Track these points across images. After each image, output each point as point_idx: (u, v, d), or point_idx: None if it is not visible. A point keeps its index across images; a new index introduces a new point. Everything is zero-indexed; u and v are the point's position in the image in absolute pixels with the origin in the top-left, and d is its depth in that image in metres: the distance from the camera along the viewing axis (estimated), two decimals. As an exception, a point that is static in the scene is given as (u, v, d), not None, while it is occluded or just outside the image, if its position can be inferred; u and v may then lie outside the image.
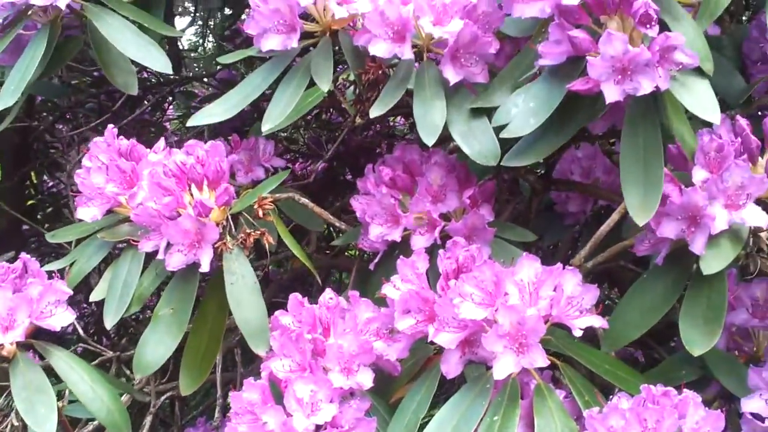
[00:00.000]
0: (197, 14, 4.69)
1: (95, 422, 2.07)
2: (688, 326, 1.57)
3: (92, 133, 3.03)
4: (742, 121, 1.61)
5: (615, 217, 1.77)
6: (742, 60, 2.10)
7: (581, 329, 1.48)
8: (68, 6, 2.00)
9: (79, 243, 1.97)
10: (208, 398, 3.38)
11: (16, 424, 1.75)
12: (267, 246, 1.76)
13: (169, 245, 1.71)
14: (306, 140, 3.73)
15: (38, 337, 1.79)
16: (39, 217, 3.98)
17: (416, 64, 1.77)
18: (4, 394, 1.75)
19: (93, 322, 3.63)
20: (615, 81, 1.49)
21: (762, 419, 1.59)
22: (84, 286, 2.44)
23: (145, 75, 3.68)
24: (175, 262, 1.70)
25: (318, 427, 1.53)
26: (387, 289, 1.63)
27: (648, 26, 1.48)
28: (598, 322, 1.51)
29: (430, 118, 1.67)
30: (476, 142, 1.67)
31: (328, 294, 1.70)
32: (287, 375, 1.59)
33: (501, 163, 1.65)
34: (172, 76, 3.44)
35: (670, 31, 1.51)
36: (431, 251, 1.72)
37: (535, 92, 1.61)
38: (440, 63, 1.71)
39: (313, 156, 3.56)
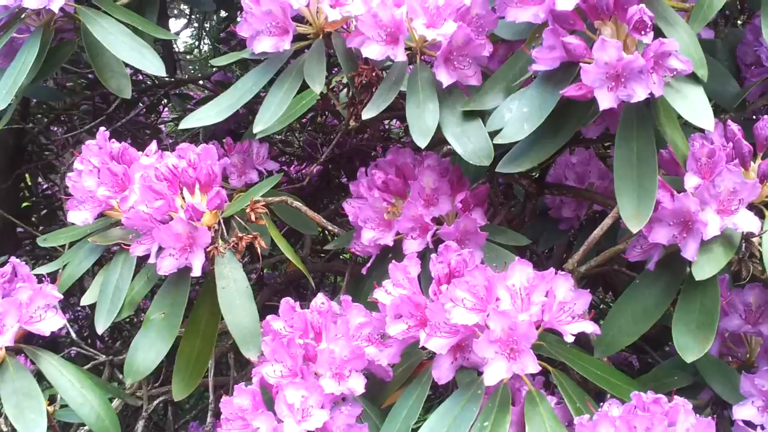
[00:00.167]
0: (192, 17, 4.69)
1: (86, 427, 2.05)
2: (682, 332, 1.56)
3: (87, 135, 3.04)
4: (734, 126, 1.60)
5: (608, 221, 1.77)
6: (736, 64, 2.09)
7: (573, 335, 1.47)
8: (61, 9, 2.00)
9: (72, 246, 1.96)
10: (203, 402, 3.38)
11: (5, 429, 1.74)
12: (259, 250, 1.74)
13: (160, 249, 1.70)
14: (301, 143, 3.73)
15: (32, 341, 1.78)
16: (33, 219, 3.98)
17: (409, 68, 1.76)
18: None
19: (87, 326, 3.63)
20: (609, 88, 1.49)
21: (754, 426, 1.59)
22: (79, 289, 2.43)
23: (140, 77, 3.69)
24: (166, 266, 1.70)
25: (309, 433, 1.53)
26: (378, 294, 1.62)
27: (642, 33, 1.47)
28: (590, 327, 1.50)
29: (423, 120, 1.66)
30: (469, 143, 1.67)
31: (319, 299, 1.70)
32: (278, 380, 1.58)
33: (496, 170, 1.64)
34: (167, 79, 3.44)
35: (665, 36, 1.51)
36: (423, 256, 1.72)
37: (528, 97, 1.61)
38: (433, 65, 1.70)
39: (308, 159, 3.56)
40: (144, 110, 3.88)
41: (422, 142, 1.64)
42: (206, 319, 1.78)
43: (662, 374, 1.78)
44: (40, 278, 1.82)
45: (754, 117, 2.04)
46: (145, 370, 1.72)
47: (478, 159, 1.65)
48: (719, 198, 1.53)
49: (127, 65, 2.09)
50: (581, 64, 1.50)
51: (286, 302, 1.69)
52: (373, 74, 1.75)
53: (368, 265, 1.89)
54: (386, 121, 3.66)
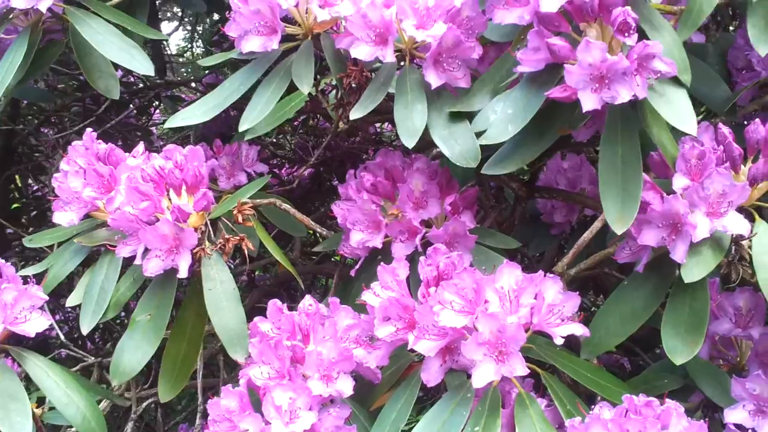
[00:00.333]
0: (184, 19, 4.68)
1: (74, 429, 2.04)
2: (670, 335, 1.56)
3: (77, 136, 3.01)
4: (725, 129, 1.60)
5: (598, 224, 1.76)
6: (727, 68, 2.09)
7: (562, 337, 1.47)
8: (49, 9, 1.99)
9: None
10: (194, 403, 3.36)
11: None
12: (246, 252, 1.73)
13: (146, 250, 1.69)
14: (293, 146, 3.72)
15: (22, 342, 1.77)
16: (23, 220, 3.96)
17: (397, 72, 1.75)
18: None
19: (78, 327, 3.61)
20: (592, 89, 1.48)
21: (745, 430, 1.58)
22: (68, 290, 2.42)
23: (131, 80, 3.68)
24: (152, 267, 1.68)
25: (296, 435, 1.51)
26: (367, 296, 1.61)
27: (626, 34, 1.47)
28: (579, 330, 1.50)
29: (411, 121, 1.66)
30: (456, 145, 1.66)
31: (307, 300, 1.69)
32: (266, 382, 1.57)
33: (481, 171, 1.64)
34: (158, 80, 3.43)
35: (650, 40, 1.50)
36: (412, 258, 1.71)
37: (513, 99, 1.60)
38: (422, 67, 1.70)
39: (299, 162, 3.55)
40: (135, 113, 3.87)
41: (410, 143, 1.63)
42: (193, 320, 1.77)
43: (653, 377, 1.77)
44: (26, 280, 1.80)
45: (745, 123, 2.03)
46: (131, 371, 1.71)
47: (465, 161, 1.65)
48: (708, 200, 1.52)
49: (116, 66, 2.08)
50: (565, 65, 1.49)
51: (274, 304, 1.68)
52: (362, 75, 1.74)
53: (357, 267, 1.88)
54: (378, 125, 3.66)
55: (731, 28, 2.55)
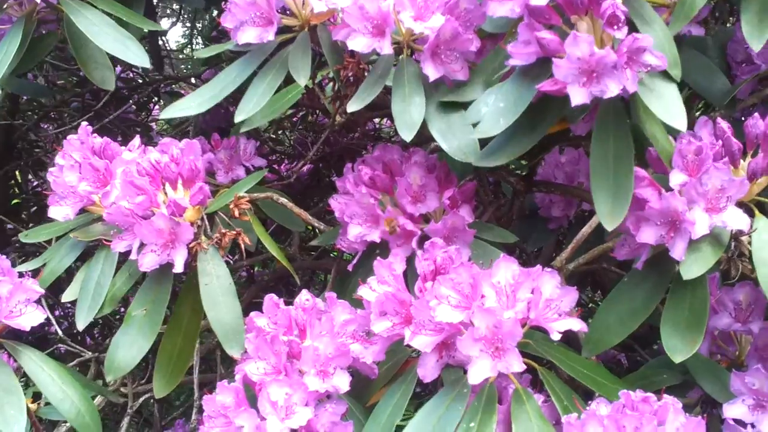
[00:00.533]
0: (183, 15, 4.68)
1: (69, 424, 2.03)
2: (670, 332, 1.54)
3: (76, 132, 3.01)
4: (723, 124, 1.58)
5: (596, 219, 1.75)
6: (726, 61, 2.08)
7: (560, 332, 1.45)
8: (44, -1, 1.98)
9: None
10: (192, 399, 3.36)
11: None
12: (243, 246, 1.72)
13: (142, 245, 1.68)
14: (292, 142, 3.71)
15: (21, 338, 1.76)
16: (23, 216, 3.96)
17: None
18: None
19: (77, 322, 3.60)
20: (581, 83, 1.47)
21: (744, 425, 1.57)
22: (68, 286, 2.41)
23: (130, 75, 3.67)
24: (148, 262, 1.67)
25: (293, 431, 1.50)
26: (363, 291, 1.60)
27: (616, 27, 1.45)
28: (577, 325, 1.48)
29: (409, 114, 1.65)
30: (455, 139, 1.65)
31: (304, 295, 1.68)
32: (262, 378, 1.56)
33: (473, 164, 1.63)
34: (157, 76, 3.43)
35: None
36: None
37: (505, 92, 1.59)
38: (420, 59, 1.68)
39: (298, 158, 3.55)
40: (134, 108, 3.87)
41: (408, 136, 1.62)
42: (188, 316, 1.76)
43: (651, 373, 1.76)
44: (22, 275, 1.79)
45: (742, 120, 2.02)
46: (126, 366, 1.70)
47: (463, 155, 1.63)
48: (707, 196, 1.50)
49: (115, 61, 2.07)
50: (553, 59, 1.47)
51: (270, 299, 1.67)
52: (359, 68, 1.73)
53: (354, 261, 1.87)
54: (376, 121, 3.65)
55: (728, 25, 2.54)
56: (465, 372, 1.47)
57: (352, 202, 1.83)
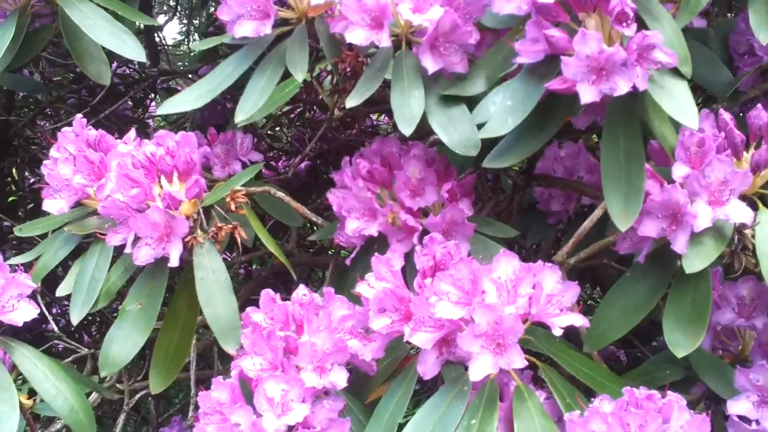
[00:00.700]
0: (180, 11, 4.67)
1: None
2: (672, 326, 1.53)
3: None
4: (726, 116, 1.57)
5: (597, 213, 1.73)
6: (728, 53, 2.07)
7: (561, 328, 1.43)
8: (38, -8, 1.96)
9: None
10: (189, 396, 3.35)
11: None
12: (240, 241, 1.70)
13: (137, 239, 1.66)
14: (289, 138, 3.70)
15: (19, 335, 1.74)
16: (20, 213, 3.94)
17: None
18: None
19: (74, 319, 3.59)
20: (590, 81, 1.45)
21: (749, 422, 1.56)
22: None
23: (127, 71, 3.65)
24: (143, 256, 1.65)
25: (289, 428, 1.48)
26: (361, 288, 1.58)
27: (624, 24, 1.43)
28: (578, 320, 1.46)
29: (408, 107, 1.62)
30: (455, 132, 1.63)
31: (301, 290, 1.66)
32: (258, 374, 1.53)
33: (482, 165, 1.61)
34: (153, 71, 3.41)
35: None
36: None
37: (513, 90, 1.57)
38: (419, 51, 1.66)
39: (296, 154, 3.53)
40: (131, 105, 3.85)
41: (407, 130, 1.60)
42: (185, 311, 1.74)
43: (653, 368, 1.74)
44: (14, 268, 1.77)
45: (741, 114, 2.01)
46: (120, 362, 1.68)
47: (464, 149, 1.62)
48: (710, 188, 1.49)
49: (109, 53, 2.05)
50: (562, 57, 1.46)
51: (267, 294, 1.65)
52: (357, 61, 1.71)
53: (352, 256, 1.85)
54: (374, 117, 3.63)
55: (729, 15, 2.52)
56: (466, 369, 1.45)
57: (350, 195, 1.81)
